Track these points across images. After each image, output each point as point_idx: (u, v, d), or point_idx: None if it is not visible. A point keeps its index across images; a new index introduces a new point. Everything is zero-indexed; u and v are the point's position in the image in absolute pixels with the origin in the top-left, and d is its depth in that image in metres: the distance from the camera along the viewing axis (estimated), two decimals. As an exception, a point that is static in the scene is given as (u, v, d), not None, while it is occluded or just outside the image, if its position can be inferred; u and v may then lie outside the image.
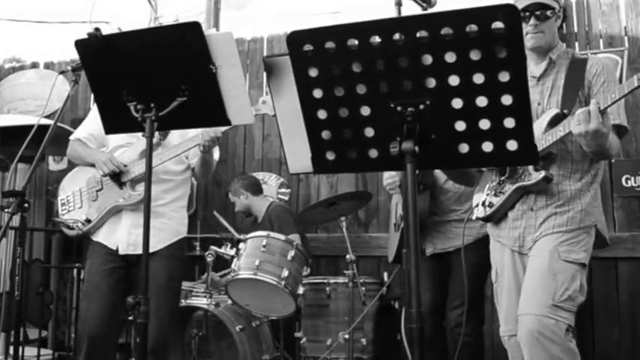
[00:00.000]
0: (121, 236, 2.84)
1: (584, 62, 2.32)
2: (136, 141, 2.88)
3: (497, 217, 2.37)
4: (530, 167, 2.25)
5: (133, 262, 2.85)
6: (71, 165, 3.20)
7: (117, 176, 2.84)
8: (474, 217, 2.47)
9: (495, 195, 2.35)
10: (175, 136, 2.86)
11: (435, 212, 3.15)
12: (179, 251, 2.95)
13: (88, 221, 2.89)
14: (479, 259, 3.06)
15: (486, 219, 2.40)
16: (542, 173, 2.20)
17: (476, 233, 3.08)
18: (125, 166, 2.83)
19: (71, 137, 3.02)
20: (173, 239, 2.89)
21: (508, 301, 2.32)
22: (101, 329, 2.74)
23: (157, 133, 2.80)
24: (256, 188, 4.29)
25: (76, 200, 2.96)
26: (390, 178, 3.23)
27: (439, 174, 3.17)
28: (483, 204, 2.40)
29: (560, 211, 2.23)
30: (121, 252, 2.82)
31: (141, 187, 2.84)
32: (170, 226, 2.89)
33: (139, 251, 2.80)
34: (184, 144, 2.76)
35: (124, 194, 2.85)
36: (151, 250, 2.83)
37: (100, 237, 2.89)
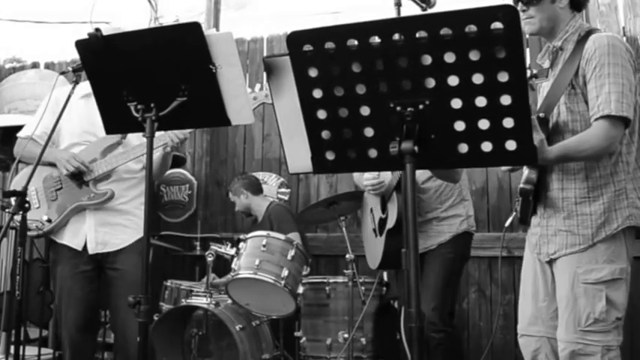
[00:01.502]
0: (89, 236, 2.85)
1: (584, 43, 2.10)
2: (96, 139, 2.88)
3: (524, 220, 2.29)
4: (526, 172, 2.19)
5: (103, 261, 2.88)
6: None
7: (77, 175, 2.84)
8: (507, 224, 2.38)
9: (517, 201, 2.31)
10: (134, 135, 2.87)
11: (417, 212, 3.12)
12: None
13: (49, 221, 2.88)
14: (454, 254, 3.08)
15: (520, 222, 2.34)
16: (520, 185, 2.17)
17: (455, 230, 3.09)
18: (89, 165, 2.83)
19: (20, 135, 2.97)
20: (141, 234, 2.89)
21: (524, 300, 2.31)
22: (78, 333, 2.85)
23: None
24: (256, 188, 4.29)
25: (32, 200, 2.92)
26: (373, 179, 3.10)
27: (418, 174, 3.13)
28: (515, 210, 2.35)
29: (569, 225, 2.12)
30: (91, 252, 2.85)
31: (105, 186, 2.86)
32: (135, 222, 2.91)
33: (108, 249, 2.86)
34: (161, 139, 2.77)
35: (88, 193, 2.85)
36: (120, 246, 2.88)
37: (65, 239, 2.89)
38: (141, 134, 2.74)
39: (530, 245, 2.31)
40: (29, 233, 2.93)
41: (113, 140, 2.87)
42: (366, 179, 3.17)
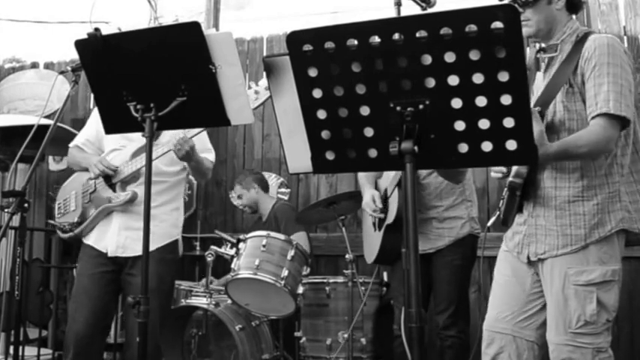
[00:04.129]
0: (111, 239, 2.85)
1: (583, 43, 2.08)
2: (128, 143, 2.89)
3: (506, 220, 2.24)
4: (514, 168, 2.14)
5: (122, 265, 2.86)
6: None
7: (107, 178, 2.86)
8: (489, 223, 2.33)
9: (502, 200, 2.26)
10: (167, 136, 2.84)
11: (417, 208, 3.10)
12: (171, 254, 2.94)
13: (80, 223, 2.89)
14: (461, 260, 3.05)
15: (502, 223, 2.29)
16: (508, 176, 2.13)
17: (456, 234, 3.06)
18: (116, 167, 2.84)
19: (70, 145, 3.05)
20: (164, 242, 2.89)
21: (494, 299, 2.27)
22: (87, 331, 2.79)
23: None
24: (265, 185, 4.27)
25: (70, 203, 2.98)
26: (373, 211, 3.14)
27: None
28: (499, 209, 2.30)
29: (561, 225, 2.09)
30: (110, 254, 2.84)
31: (130, 188, 2.86)
32: (161, 228, 2.88)
33: (128, 254, 2.84)
34: (166, 146, 2.75)
35: (114, 196, 2.85)
36: (140, 252, 2.85)
37: (91, 240, 2.90)
38: (170, 133, 2.76)
39: (510, 243, 2.26)
40: (63, 235, 2.96)
41: (143, 142, 2.87)
42: (367, 205, 3.17)
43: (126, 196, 2.82)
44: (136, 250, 2.84)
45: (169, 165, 2.91)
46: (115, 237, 2.84)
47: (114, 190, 2.86)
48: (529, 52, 1.97)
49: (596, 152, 2.03)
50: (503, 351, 2.18)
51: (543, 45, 1.97)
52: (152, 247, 2.81)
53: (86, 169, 2.94)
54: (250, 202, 4.20)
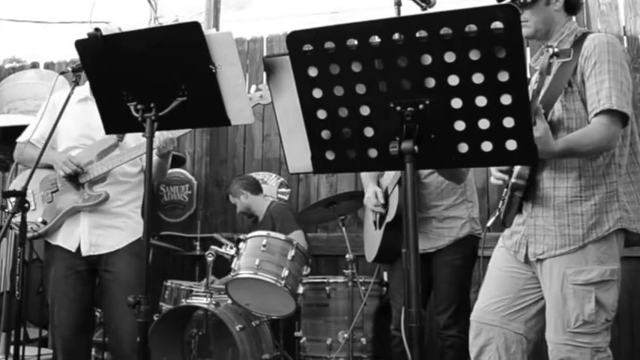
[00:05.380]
0: (83, 238, 2.85)
1: (581, 43, 2.08)
2: (92, 142, 2.89)
3: (506, 221, 2.24)
4: (517, 168, 2.15)
5: (97, 263, 2.88)
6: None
7: (74, 177, 2.84)
8: (488, 224, 2.33)
9: (502, 201, 2.26)
10: (131, 138, 2.88)
11: (417, 208, 3.10)
12: (142, 248, 2.97)
13: (44, 223, 2.88)
14: (462, 260, 3.06)
15: (501, 223, 2.29)
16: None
17: (456, 234, 3.06)
18: (85, 167, 2.84)
19: (19, 140, 3.00)
20: (135, 237, 2.91)
21: (484, 292, 2.27)
22: (72, 333, 2.83)
23: (114, 135, 2.84)
24: (255, 187, 4.30)
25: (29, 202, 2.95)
26: (375, 206, 3.16)
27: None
28: (498, 210, 2.31)
29: (560, 225, 2.09)
30: (84, 254, 2.84)
31: (100, 188, 2.87)
32: (130, 225, 2.91)
33: (101, 251, 2.86)
34: (143, 146, 2.74)
35: (82, 195, 2.85)
36: (115, 248, 2.88)
37: (58, 240, 2.89)
38: (138, 136, 2.79)
39: (507, 242, 2.26)
40: None
41: (110, 143, 2.88)
42: (369, 200, 3.18)
43: (99, 197, 2.83)
44: (109, 246, 2.87)
45: (131, 166, 2.93)
46: (87, 236, 2.84)
47: (77, 189, 2.85)
48: (543, 57, 1.96)
49: (600, 150, 2.03)
50: (491, 342, 2.18)
51: (557, 50, 1.98)
52: (125, 243, 2.87)
53: (48, 167, 2.89)
54: (243, 208, 4.28)
